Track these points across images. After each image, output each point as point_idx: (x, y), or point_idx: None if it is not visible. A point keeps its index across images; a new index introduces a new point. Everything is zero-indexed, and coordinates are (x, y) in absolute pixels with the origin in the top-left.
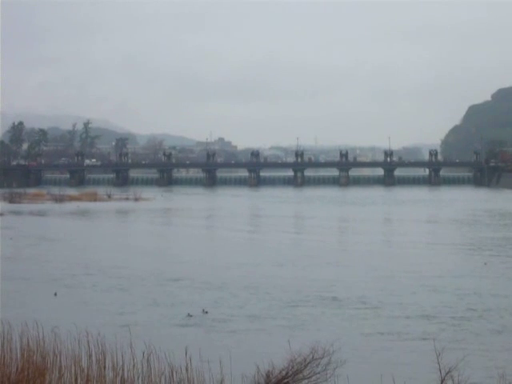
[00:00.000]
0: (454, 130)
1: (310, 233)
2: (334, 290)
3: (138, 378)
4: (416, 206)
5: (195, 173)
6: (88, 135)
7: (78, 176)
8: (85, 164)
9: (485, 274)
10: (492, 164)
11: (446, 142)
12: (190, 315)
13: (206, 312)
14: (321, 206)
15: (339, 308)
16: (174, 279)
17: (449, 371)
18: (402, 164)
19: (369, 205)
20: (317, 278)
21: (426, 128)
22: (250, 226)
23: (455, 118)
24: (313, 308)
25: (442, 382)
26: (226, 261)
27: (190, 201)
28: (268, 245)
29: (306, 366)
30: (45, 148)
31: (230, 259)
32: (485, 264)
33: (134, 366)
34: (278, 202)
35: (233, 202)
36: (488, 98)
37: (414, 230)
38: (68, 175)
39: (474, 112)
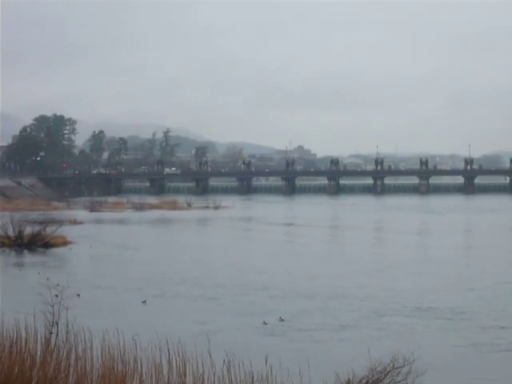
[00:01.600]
0: None
1: (392, 243)
2: (423, 301)
3: None
4: (498, 214)
5: (274, 181)
6: (168, 144)
7: (158, 184)
8: (165, 172)
9: None
10: None
11: None
12: (265, 323)
13: (283, 320)
14: (401, 214)
15: (429, 318)
16: (257, 289)
17: None
18: (483, 172)
19: (449, 213)
20: (405, 288)
21: (507, 135)
22: (331, 236)
23: None
24: (402, 318)
25: None
26: (311, 271)
27: (270, 209)
28: (351, 255)
29: (386, 375)
30: (125, 157)
31: (314, 269)
32: None
33: (214, 373)
34: (358, 210)
35: (313, 210)
36: None
37: (499, 240)
38: (148, 184)
39: None
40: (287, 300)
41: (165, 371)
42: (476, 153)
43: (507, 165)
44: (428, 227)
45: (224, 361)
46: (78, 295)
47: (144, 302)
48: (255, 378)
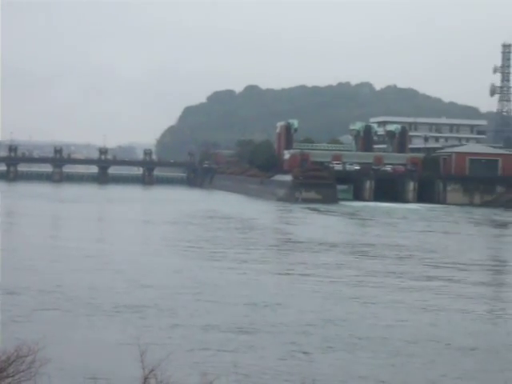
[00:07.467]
0: (170, 131)
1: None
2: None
3: None
4: (131, 204)
5: None
6: None
7: None
8: None
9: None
10: (206, 165)
11: (161, 142)
12: None
13: None
14: (33, 202)
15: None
16: None
17: (152, 370)
18: (116, 162)
19: (84, 203)
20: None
21: (142, 127)
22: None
23: (172, 118)
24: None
25: (146, 380)
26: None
27: None
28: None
29: (10, 365)
30: None
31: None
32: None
33: None
34: None
35: None
36: (203, 99)
37: (146, 231)
38: None
39: (189, 113)
40: None
41: None
42: (111, 143)
43: (141, 156)
44: (56, 216)
45: None
46: None
47: None
48: None
